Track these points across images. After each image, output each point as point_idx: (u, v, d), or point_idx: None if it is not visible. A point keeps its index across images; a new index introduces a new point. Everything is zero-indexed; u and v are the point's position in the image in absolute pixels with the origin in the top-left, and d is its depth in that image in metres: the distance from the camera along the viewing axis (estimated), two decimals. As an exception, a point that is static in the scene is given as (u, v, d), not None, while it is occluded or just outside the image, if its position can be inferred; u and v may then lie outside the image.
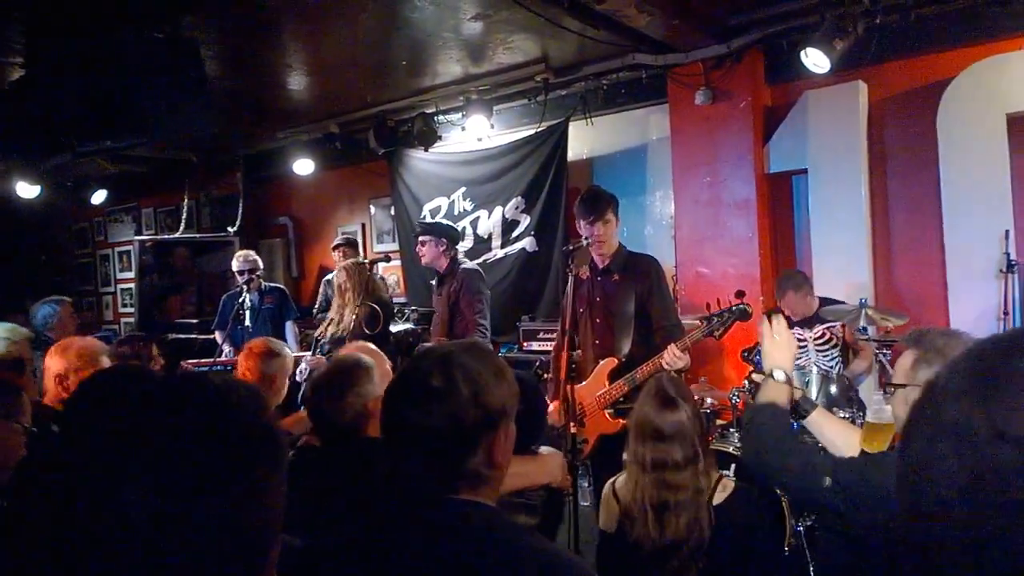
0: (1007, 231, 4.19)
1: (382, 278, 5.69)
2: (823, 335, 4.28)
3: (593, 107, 5.89)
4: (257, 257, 5.77)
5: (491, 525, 1.28)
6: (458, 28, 5.04)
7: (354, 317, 4.46)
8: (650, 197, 5.85)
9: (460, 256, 4.65)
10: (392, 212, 7.13)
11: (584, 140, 6.09)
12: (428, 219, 6.37)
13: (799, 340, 4.31)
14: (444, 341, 4.27)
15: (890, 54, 4.64)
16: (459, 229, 6.03)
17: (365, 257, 6.17)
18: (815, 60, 4.35)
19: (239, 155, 8.25)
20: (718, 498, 2.33)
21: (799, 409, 2.31)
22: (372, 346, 2.93)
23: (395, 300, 6.62)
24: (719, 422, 4.21)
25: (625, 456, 2.39)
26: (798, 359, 4.27)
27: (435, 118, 6.40)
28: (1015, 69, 4.22)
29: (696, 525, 2.24)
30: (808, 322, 4.33)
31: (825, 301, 4.37)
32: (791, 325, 4.33)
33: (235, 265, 5.63)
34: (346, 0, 4.38)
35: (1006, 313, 4.16)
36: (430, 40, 5.26)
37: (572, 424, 3.42)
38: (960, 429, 0.63)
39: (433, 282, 4.91)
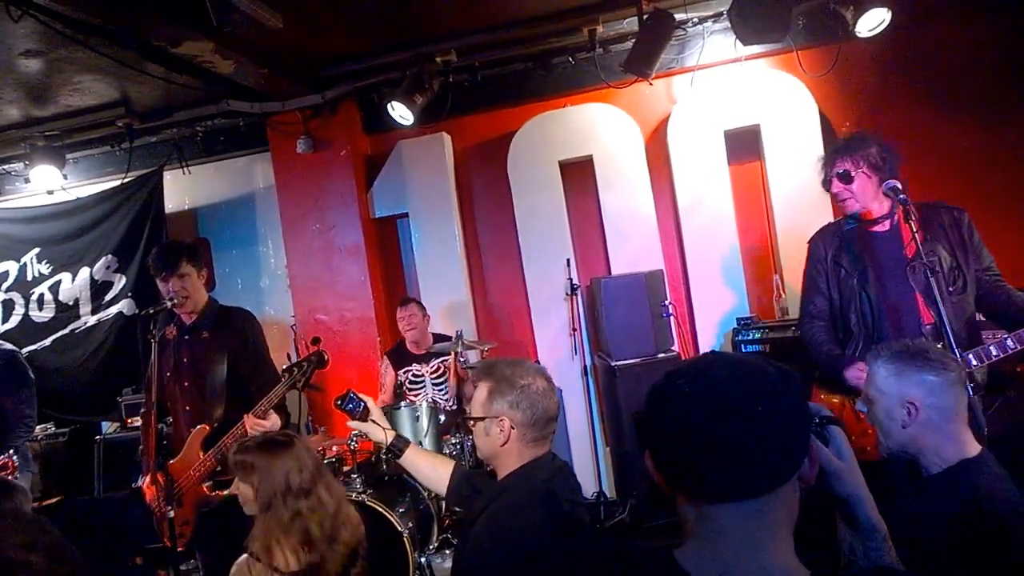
0: (568, 259, 4.96)
1: None
2: (438, 368, 4.58)
3: (190, 155, 5.53)
4: None
5: None
6: (10, 65, 4.32)
7: None
8: (263, 247, 5.67)
9: None
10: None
11: (184, 190, 5.67)
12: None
13: (416, 376, 4.56)
14: None
15: (466, 109, 5.21)
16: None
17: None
18: (400, 113, 4.68)
19: None
20: None
21: (394, 448, 2.39)
22: None
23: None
24: (345, 468, 4.20)
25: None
26: (415, 394, 4.51)
27: (-10, 168, 5.38)
28: (562, 124, 5.05)
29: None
30: (426, 357, 4.59)
31: (436, 337, 4.69)
32: (410, 361, 4.57)
33: None
34: None
35: (575, 329, 4.92)
36: (-28, 77, 4.42)
37: (169, 507, 3.10)
38: None
39: None
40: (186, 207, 5.74)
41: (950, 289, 2.72)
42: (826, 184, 2.93)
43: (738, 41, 4.19)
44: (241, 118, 5.33)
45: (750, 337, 4.28)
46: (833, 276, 2.95)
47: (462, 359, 4.40)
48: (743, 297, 4.76)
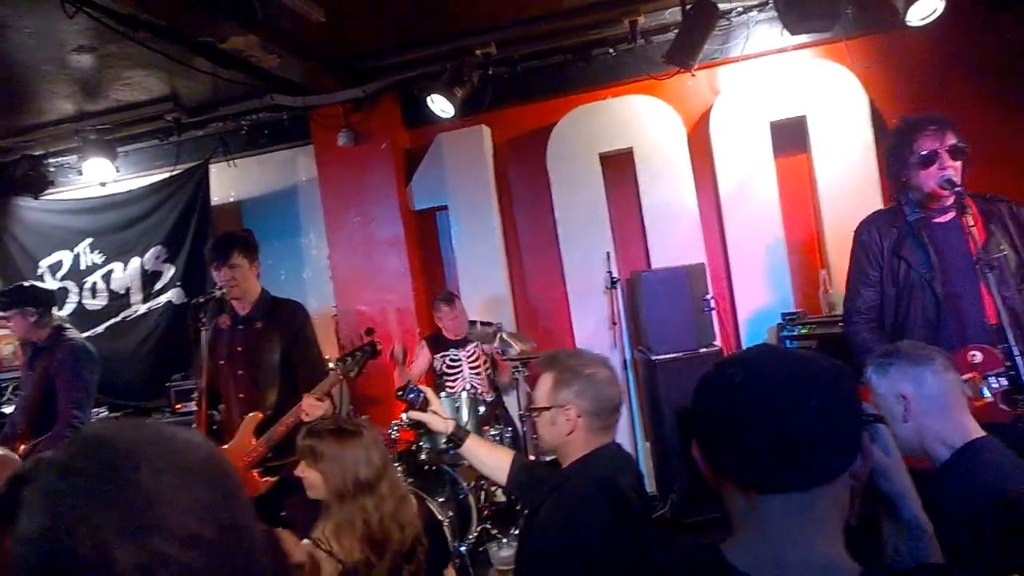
0: (608, 253, 4.93)
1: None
2: (474, 353, 4.61)
3: (235, 148, 5.64)
4: None
5: None
6: (63, 61, 4.46)
7: None
8: (305, 239, 5.76)
9: (67, 325, 3.94)
10: (-1, 271, 5.98)
11: (229, 183, 5.78)
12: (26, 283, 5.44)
13: (454, 361, 4.59)
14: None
15: (506, 101, 5.19)
16: (79, 287, 5.26)
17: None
18: (440, 106, 4.69)
19: None
20: None
21: (455, 438, 2.41)
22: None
23: (8, 376, 5.58)
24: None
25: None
26: (451, 384, 4.54)
27: (45, 161, 5.55)
28: (602, 115, 5.01)
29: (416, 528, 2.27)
30: (462, 343, 4.62)
31: (477, 324, 4.72)
32: (447, 347, 4.61)
33: None
34: None
35: (614, 323, 4.89)
36: (28, 73, 4.58)
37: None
38: None
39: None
40: (231, 199, 5.86)
41: (1021, 286, 2.58)
42: (923, 158, 2.65)
43: (785, 30, 4.10)
44: (284, 112, 5.42)
45: (796, 332, 4.20)
46: (889, 268, 2.77)
47: (500, 351, 4.41)
48: (788, 292, 4.67)
